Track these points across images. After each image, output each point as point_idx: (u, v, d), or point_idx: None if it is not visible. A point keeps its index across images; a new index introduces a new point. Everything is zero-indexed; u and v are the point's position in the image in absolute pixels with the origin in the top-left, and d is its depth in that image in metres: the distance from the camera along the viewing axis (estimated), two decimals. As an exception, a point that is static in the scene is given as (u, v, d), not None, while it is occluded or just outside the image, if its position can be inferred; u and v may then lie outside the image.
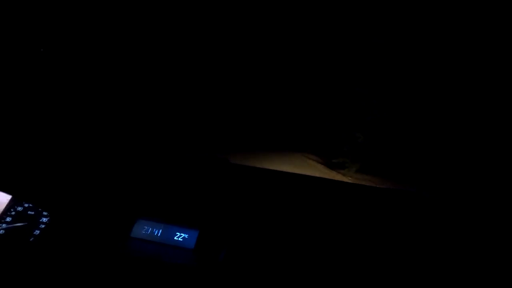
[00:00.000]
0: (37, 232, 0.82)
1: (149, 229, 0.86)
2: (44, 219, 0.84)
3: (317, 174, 6.32)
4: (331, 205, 0.92)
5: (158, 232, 0.85)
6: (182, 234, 0.84)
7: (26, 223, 0.82)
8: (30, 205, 0.86)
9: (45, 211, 0.85)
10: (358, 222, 0.86)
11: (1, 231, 0.81)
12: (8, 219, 0.84)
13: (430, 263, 0.76)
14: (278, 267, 0.75)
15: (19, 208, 0.86)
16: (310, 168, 7.10)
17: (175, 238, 0.84)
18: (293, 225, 0.85)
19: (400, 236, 0.82)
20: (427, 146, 5.27)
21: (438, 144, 5.06)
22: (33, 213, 0.85)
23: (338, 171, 6.07)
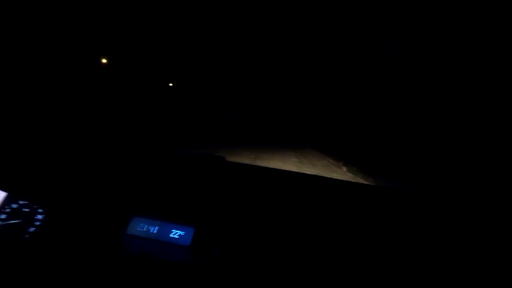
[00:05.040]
0: (32, 229, 0.81)
1: (145, 226, 0.86)
2: (39, 216, 0.84)
3: (314, 171, 6.34)
4: (327, 202, 0.92)
5: (154, 229, 0.85)
6: (178, 231, 0.84)
7: (21, 221, 0.82)
8: (25, 202, 0.86)
9: (40, 208, 0.85)
10: (354, 220, 0.86)
11: (-4, 228, 0.80)
12: (3, 216, 0.83)
13: (429, 262, 0.76)
14: (275, 264, 0.76)
15: (14, 205, 0.85)
16: (308, 164, 7.12)
17: (171, 235, 0.84)
18: (289, 222, 0.85)
19: (399, 235, 0.83)
20: (426, 145, 5.31)
21: (437, 144, 5.11)
22: (28, 210, 0.85)
23: (337, 167, 6.08)
